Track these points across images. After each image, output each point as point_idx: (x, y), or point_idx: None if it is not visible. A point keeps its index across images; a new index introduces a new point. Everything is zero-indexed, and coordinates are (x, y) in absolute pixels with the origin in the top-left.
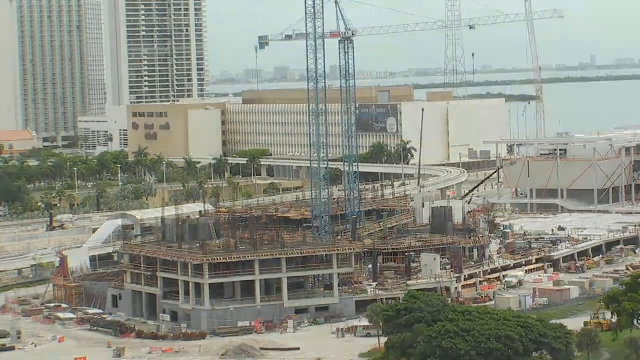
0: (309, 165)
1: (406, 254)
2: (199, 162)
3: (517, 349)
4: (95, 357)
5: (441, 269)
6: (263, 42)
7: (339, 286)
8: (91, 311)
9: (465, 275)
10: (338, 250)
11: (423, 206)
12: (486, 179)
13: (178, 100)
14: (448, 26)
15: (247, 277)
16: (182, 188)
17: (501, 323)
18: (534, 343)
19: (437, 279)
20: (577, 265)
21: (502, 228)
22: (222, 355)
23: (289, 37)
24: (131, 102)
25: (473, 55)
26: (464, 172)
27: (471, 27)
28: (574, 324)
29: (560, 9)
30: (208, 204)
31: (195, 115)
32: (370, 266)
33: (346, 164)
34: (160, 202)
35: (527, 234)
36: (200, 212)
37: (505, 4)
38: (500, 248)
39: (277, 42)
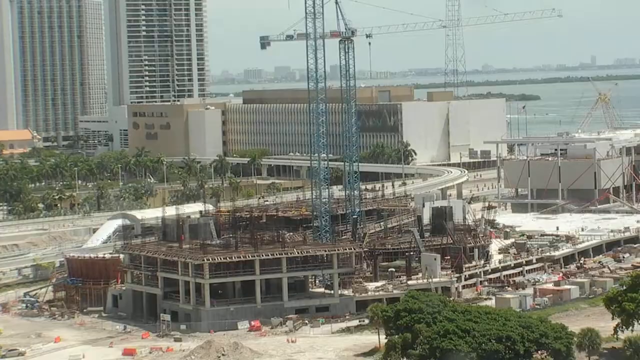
0: (309, 165)
1: (406, 254)
2: (199, 162)
3: (518, 349)
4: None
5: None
6: (264, 42)
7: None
8: None
9: (465, 275)
10: (338, 250)
11: (423, 206)
12: None
13: (178, 100)
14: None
15: (247, 277)
16: (182, 188)
17: (501, 323)
18: (534, 343)
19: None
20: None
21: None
22: (222, 355)
23: (290, 37)
24: (131, 102)
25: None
26: (464, 171)
27: None
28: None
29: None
30: (208, 204)
31: (195, 115)
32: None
33: (346, 163)
34: (160, 202)
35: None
36: (200, 212)
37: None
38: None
39: (278, 42)
